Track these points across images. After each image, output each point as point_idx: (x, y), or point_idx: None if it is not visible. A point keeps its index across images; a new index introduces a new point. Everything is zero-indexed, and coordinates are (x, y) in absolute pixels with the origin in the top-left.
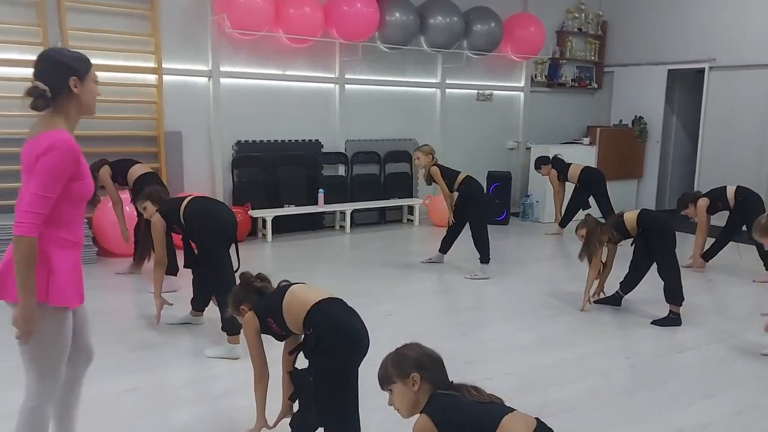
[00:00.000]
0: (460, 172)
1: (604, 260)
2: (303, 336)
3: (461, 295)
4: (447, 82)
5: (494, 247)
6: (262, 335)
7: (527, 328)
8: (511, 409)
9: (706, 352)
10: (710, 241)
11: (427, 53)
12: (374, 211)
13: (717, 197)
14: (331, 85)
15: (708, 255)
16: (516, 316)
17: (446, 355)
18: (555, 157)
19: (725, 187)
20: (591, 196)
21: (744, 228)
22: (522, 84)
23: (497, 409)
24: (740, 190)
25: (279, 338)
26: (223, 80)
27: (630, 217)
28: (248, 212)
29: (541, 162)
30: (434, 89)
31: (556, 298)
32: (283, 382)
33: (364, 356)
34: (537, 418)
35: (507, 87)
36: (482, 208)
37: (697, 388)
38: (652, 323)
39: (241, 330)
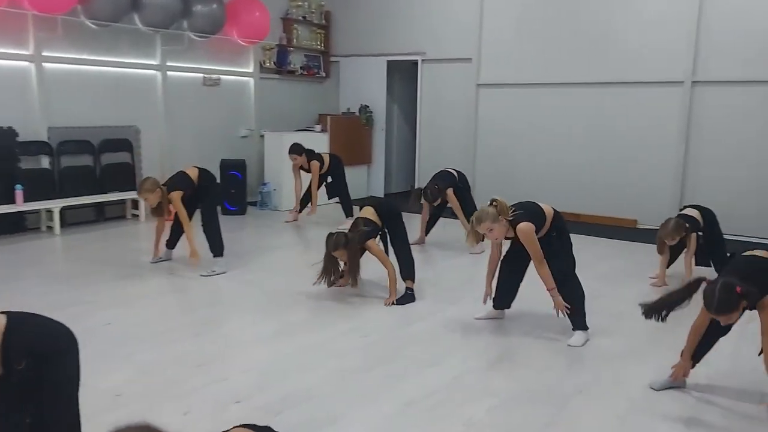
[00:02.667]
0: (186, 170)
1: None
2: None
3: (196, 294)
4: (168, 64)
5: (231, 238)
6: None
7: (267, 319)
8: None
9: (430, 323)
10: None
11: (143, 32)
12: (90, 207)
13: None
14: (26, 63)
15: (426, 232)
16: (255, 308)
17: (178, 359)
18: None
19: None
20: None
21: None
22: (251, 70)
23: None
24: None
25: None
26: None
27: (368, 212)
28: None
29: (294, 151)
30: (154, 71)
31: (296, 286)
32: None
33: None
34: None
35: (236, 72)
36: (217, 198)
37: (423, 359)
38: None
39: None
